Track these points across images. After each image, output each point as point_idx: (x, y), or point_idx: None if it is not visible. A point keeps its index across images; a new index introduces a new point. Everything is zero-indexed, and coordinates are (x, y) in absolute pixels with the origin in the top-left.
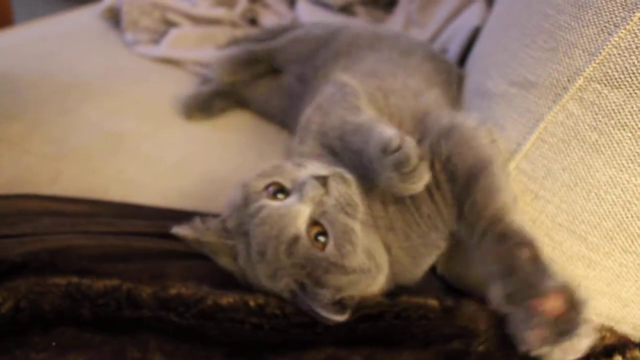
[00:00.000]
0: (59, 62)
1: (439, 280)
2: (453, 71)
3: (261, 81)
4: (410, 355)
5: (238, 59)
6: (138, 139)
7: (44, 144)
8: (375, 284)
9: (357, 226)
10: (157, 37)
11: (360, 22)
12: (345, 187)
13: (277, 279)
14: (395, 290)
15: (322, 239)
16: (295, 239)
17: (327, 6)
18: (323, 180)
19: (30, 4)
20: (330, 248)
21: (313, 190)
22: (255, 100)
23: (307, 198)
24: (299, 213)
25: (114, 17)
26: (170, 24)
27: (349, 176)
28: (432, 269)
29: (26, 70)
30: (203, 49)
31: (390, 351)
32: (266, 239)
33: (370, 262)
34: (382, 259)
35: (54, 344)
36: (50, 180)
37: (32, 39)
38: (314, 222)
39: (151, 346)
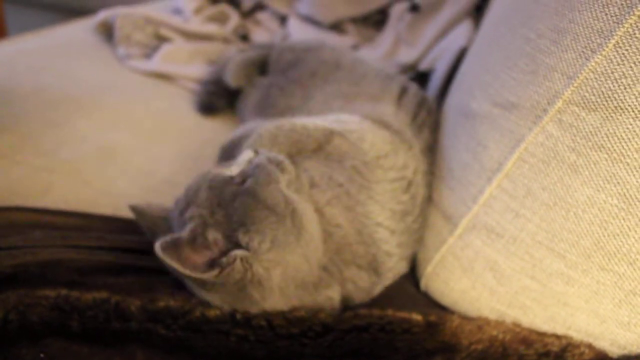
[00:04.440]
0: (51, 75)
1: (423, 296)
2: (408, 88)
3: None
4: None
5: (251, 61)
6: (129, 153)
7: (35, 156)
8: (291, 245)
9: (279, 175)
10: (150, 52)
11: (329, 48)
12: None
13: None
14: (381, 303)
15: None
16: (219, 179)
17: (317, 24)
18: (256, 152)
19: (23, 17)
20: (249, 181)
21: (246, 155)
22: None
23: (240, 160)
24: (230, 167)
25: (107, 31)
26: (162, 39)
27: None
28: (416, 286)
29: (18, 83)
30: (195, 64)
31: None
32: (197, 183)
33: (287, 209)
34: (307, 219)
35: (42, 355)
36: (41, 193)
37: (25, 51)
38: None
39: (138, 358)
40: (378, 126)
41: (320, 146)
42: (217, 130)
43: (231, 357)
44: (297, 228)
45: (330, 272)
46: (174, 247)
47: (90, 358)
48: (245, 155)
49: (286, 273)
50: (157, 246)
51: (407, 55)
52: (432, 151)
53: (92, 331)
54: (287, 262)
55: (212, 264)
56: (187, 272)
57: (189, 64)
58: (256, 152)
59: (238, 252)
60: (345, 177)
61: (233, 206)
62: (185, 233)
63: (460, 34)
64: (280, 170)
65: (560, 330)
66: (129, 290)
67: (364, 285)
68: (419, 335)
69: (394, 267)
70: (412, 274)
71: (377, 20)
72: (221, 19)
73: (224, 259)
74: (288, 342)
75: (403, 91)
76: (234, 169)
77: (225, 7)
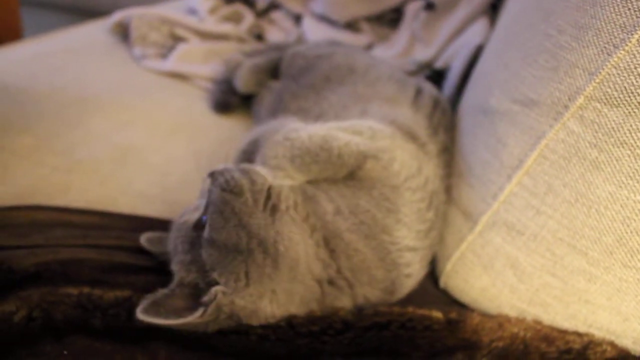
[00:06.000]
0: (68, 75)
1: (442, 294)
2: (423, 89)
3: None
4: None
5: (260, 68)
6: (146, 152)
7: (53, 156)
8: (269, 275)
9: (235, 203)
10: (165, 52)
11: (343, 51)
12: (238, 173)
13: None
14: (401, 301)
15: None
16: (186, 227)
17: (332, 22)
18: (212, 176)
19: (39, 19)
20: (205, 228)
21: (203, 184)
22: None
23: (202, 193)
24: (196, 206)
25: (123, 32)
26: (178, 39)
27: (250, 167)
28: (435, 283)
29: (36, 84)
30: (210, 64)
31: None
32: (173, 232)
33: (251, 242)
34: (285, 242)
35: (65, 352)
36: (60, 192)
37: (41, 52)
38: (205, 209)
39: (160, 356)
40: (406, 139)
41: (352, 172)
42: (234, 129)
43: (252, 356)
44: (272, 257)
45: (338, 287)
46: (154, 305)
47: (112, 356)
48: (205, 186)
49: (277, 300)
50: (138, 310)
51: (422, 53)
52: (448, 152)
53: (115, 329)
54: (272, 291)
55: (195, 306)
56: (170, 322)
57: (205, 64)
58: (212, 177)
59: (218, 288)
60: (373, 203)
61: (201, 256)
62: (168, 288)
63: (476, 32)
64: (236, 195)
65: (581, 328)
66: (151, 290)
67: (376, 301)
68: (440, 332)
69: (412, 285)
70: (431, 272)
71: (391, 18)
72: (236, 19)
73: (206, 297)
74: (308, 340)
75: (418, 93)
76: (197, 212)
77: (239, 7)
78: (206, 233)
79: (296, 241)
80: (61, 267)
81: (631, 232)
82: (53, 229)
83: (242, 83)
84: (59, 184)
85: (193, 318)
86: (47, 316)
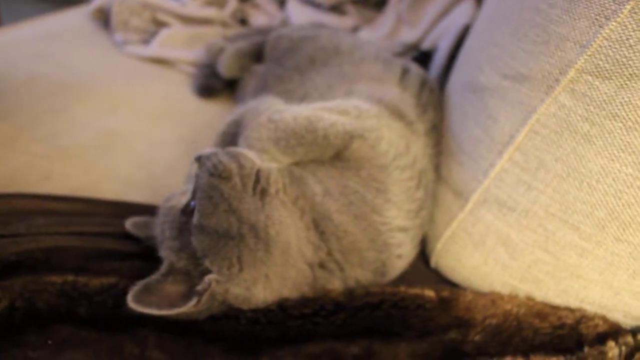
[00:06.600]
0: (48, 62)
1: (433, 273)
2: (410, 69)
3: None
4: (407, 346)
5: (243, 52)
6: (130, 138)
7: (35, 143)
8: (262, 259)
9: (224, 188)
10: (148, 37)
11: (327, 33)
12: (226, 157)
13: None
14: (393, 281)
15: None
16: (174, 213)
17: (317, 6)
18: (199, 161)
19: (16, 6)
20: (194, 213)
21: (190, 169)
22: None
23: (189, 178)
24: (183, 191)
25: (103, 18)
26: (160, 24)
27: (238, 150)
28: (426, 263)
29: (15, 71)
30: (194, 48)
31: (388, 342)
32: (160, 217)
33: (243, 227)
34: (276, 225)
35: (50, 342)
36: (42, 179)
37: (20, 39)
38: (193, 195)
39: (150, 342)
40: (393, 117)
41: (338, 153)
42: (218, 114)
43: (242, 340)
44: (264, 241)
45: (329, 270)
46: (146, 292)
47: (99, 343)
48: (192, 170)
49: (270, 285)
50: (129, 299)
51: (409, 35)
52: (436, 130)
53: (101, 317)
54: (266, 276)
55: (190, 295)
56: (164, 312)
57: (188, 49)
58: (199, 162)
59: (212, 276)
60: (361, 184)
61: (191, 242)
62: (159, 272)
63: (462, 12)
64: (225, 179)
65: (573, 303)
66: (137, 275)
67: (367, 284)
68: (433, 311)
69: (403, 266)
70: (422, 252)
71: (377, 1)
72: (219, 3)
73: (199, 287)
74: (300, 322)
75: (405, 72)
76: (185, 197)
77: None
78: (195, 219)
79: (287, 225)
80: (44, 255)
81: (623, 205)
82: (35, 217)
83: (226, 68)
84: (40, 172)
85: (187, 308)
86: (30, 305)
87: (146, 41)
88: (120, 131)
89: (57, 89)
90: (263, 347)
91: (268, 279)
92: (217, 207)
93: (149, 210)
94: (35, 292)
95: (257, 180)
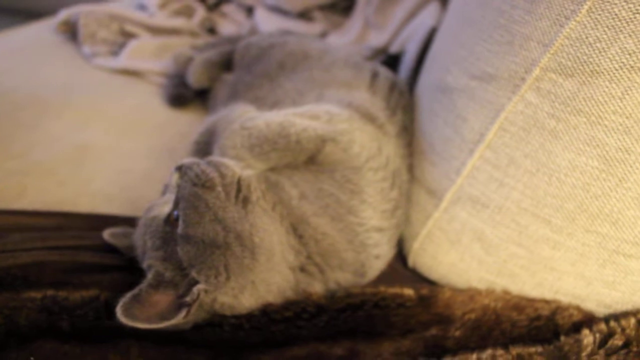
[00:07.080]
0: (16, 77)
1: (411, 273)
2: (379, 72)
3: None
4: (390, 345)
5: (212, 62)
6: (103, 150)
7: (7, 159)
8: (249, 266)
9: (208, 197)
10: (116, 49)
11: (296, 39)
12: (208, 167)
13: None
14: (371, 282)
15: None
16: (157, 223)
17: (285, 13)
18: (180, 170)
19: None
20: (179, 223)
21: (170, 179)
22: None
23: (168, 187)
24: (165, 201)
25: (70, 31)
26: (128, 36)
27: (218, 160)
28: (403, 263)
29: None
30: (162, 59)
31: (371, 342)
32: (141, 228)
33: (228, 236)
34: (261, 233)
35: (32, 358)
36: (15, 196)
37: None
38: (176, 204)
39: (132, 352)
40: (364, 121)
41: (312, 157)
42: (191, 123)
43: (226, 346)
44: (249, 249)
45: (309, 273)
46: (135, 304)
47: (83, 357)
48: (173, 180)
49: (257, 291)
50: (119, 312)
51: (377, 39)
52: (407, 132)
53: (84, 330)
54: (252, 283)
55: (179, 306)
56: (153, 325)
57: (157, 59)
58: (180, 171)
59: (200, 286)
60: (336, 186)
61: (177, 252)
62: (146, 283)
63: (428, 15)
64: (208, 189)
65: (548, 295)
66: (118, 287)
67: (347, 285)
68: (413, 309)
69: (381, 267)
70: (399, 252)
71: (345, 6)
72: (187, 13)
73: (188, 297)
74: (283, 326)
75: (374, 76)
76: (167, 207)
77: (190, 1)
78: (181, 229)
79: (270, 231)
80: (22, 271)
81: (591, 197)
82: (10, 233)
83: (195, 78)
84: (14, 187)
85: (177, 320)
86: (10, 322)
87: (115, 53)
88: (93, 144)
89: (27, 103)
90: (247, 352)
91: (254, 285)
92: (203, 216)
93: (125, 221)
94: (15, 308)
95: (239, 189)
